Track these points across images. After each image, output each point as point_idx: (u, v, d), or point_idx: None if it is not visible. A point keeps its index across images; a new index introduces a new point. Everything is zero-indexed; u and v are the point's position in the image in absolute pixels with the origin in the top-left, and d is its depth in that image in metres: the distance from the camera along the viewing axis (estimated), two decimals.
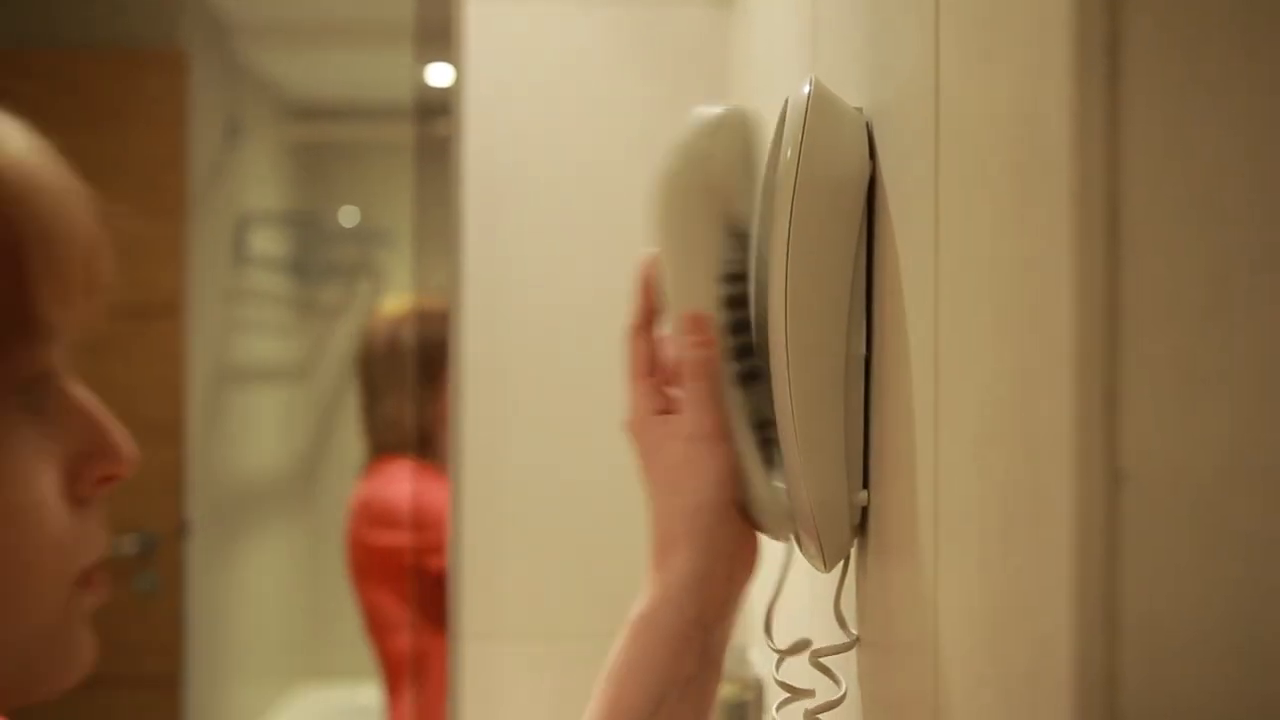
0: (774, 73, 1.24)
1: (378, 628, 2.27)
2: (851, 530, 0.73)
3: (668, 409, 0.76)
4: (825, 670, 0.77)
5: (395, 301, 2.42)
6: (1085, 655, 0.42)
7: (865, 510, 0.73)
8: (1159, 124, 0.42)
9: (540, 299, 1.65)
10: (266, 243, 3.76)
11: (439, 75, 2.17)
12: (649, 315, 0.79)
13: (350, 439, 4.11)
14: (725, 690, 1.27)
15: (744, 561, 0.75)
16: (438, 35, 1.79)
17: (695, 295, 0.74)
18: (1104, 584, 0.42)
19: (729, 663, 1.28)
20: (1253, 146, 0.41)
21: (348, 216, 4.08)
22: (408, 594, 2.18)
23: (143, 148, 3.05)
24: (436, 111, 2.04)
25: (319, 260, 4.06)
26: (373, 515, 2.24)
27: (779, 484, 0.73)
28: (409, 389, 2.28)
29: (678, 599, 0.72)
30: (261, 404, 3.81)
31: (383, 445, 2.31)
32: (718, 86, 1.66)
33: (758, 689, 1.28)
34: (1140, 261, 0.42)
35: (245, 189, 3.63)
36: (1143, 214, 0.42)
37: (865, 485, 0.72)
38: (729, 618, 0.75)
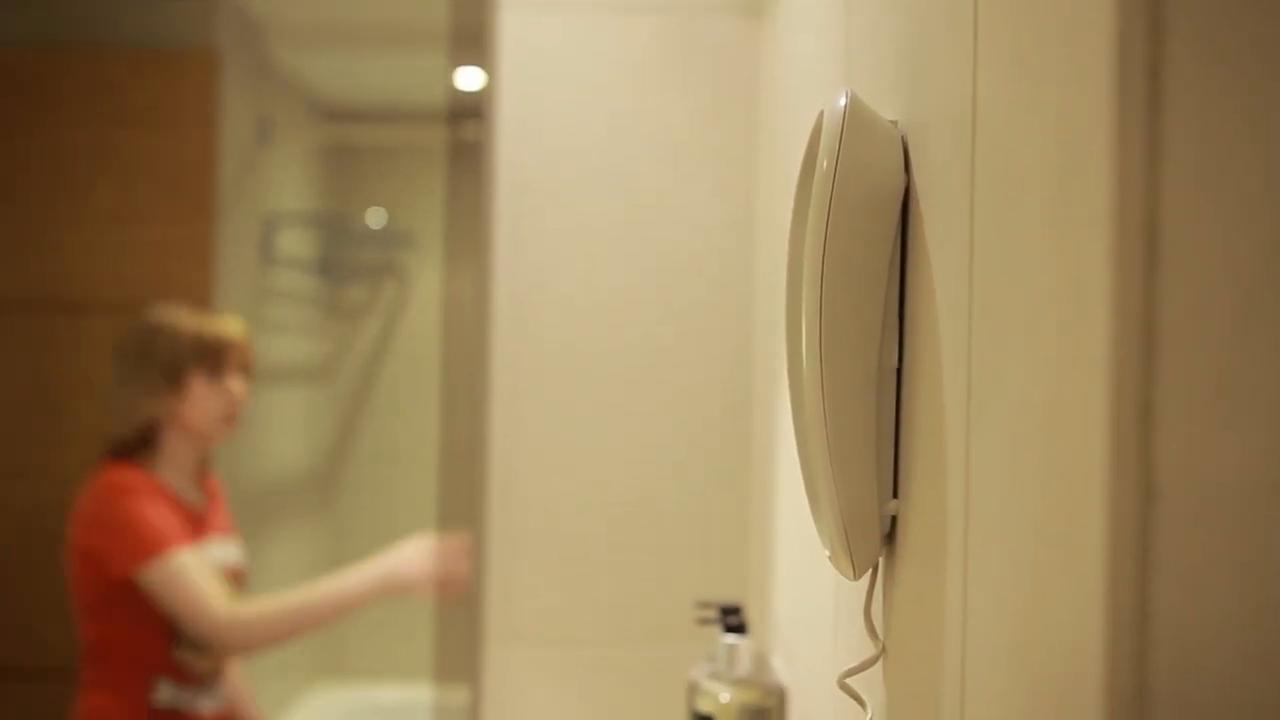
0: (806, 84, 1.25)
1: (80, 613, 2.34)
2: (881, 539, 0.73)
3: None
4: (853, 694, 0.77)
5: (158, 310, 2.51)
6: (1116, 669, 0.43)
7: (894, 520, 0.74)
8: (1198, 146, 0.42)
9: (568, 304, 1.66)
10: (294, 243, 3.78)
11: (470, 79, 2.18)
12: None
13: (374, 439, 4.13)
14: (747, 695, 1.27)
15: None
16: (470, 40, 1.80)
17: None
18: (1135, 599, 0.43)
19: (751, 667, 1.29)
20: None
21: (375, 218, 4.09)
22: (111, 581, 2.26)
23: (174, 147, 3.08)
24: (467, 115, 2.05)
25: (346, 261, 4.08)
26: (86, 511, 2.30)
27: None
28: (149, 390, 2.34)
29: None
30: (286, 403, 3.83)
31: (115, 439, 2.37)
32: (748, 96, 1.67)
33: (780, 695, 1.28)
34: (1177, 279, 0.42)
35: (274, 189, 3.65)
36: (1180, 232, 0.42)
37: (895, 495, 0.73)
38: None
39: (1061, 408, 0.48)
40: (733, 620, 1.33)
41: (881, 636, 0.77)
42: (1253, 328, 0.42)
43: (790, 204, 0.79)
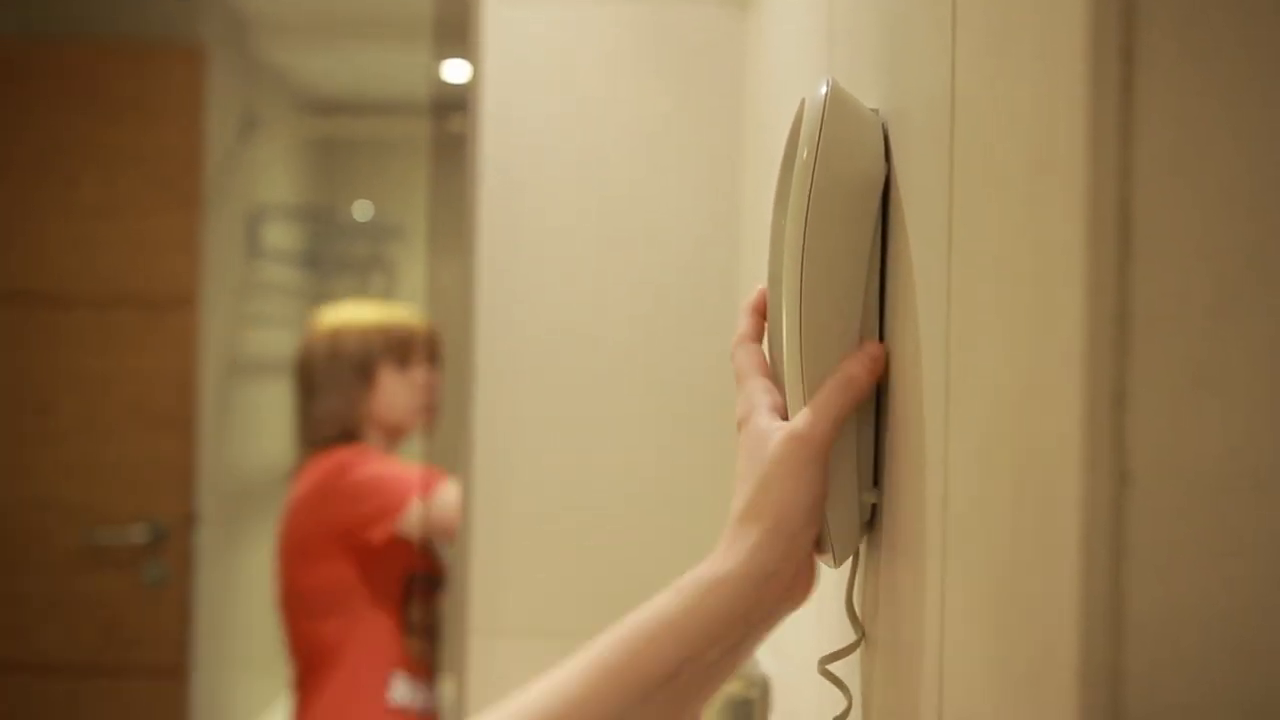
0: (790, 74, 1.25)
1: (310, 613, 2.31)
2: (860, 527, 0.73)
3: (780, 410, 0.74)
4: (834, 679, 0.77)
5: (337, 309, 2.51)
6: (1090, 655, 0.43)
7: (875, 508, 0.74)
8: (1170, 132, 0.42)
9: (553, 296, 1.66)
10: (280, 236, 3.77)
11: (455, 72, 2.18)
12: (760, 328, 0.78)
13: None
14: (731, 687, 1.27)
15: (801, 583, 0.72)
16: (455, 32, 1.80)
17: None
18: (1109, 584, 0.43)
19: None
20: (1260, 155, 0.42)
21: (361, 211, 4.09)
22: (352, 569, 2.25)
23: (160, 140, 3.07)
24: (452, 108, 2.04)
25: (332, 254, 4.08)
26: (333, 494, 2.29)
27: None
28: (350, 390, 2.35)
29: (739, 586, 0.70)
30: (272, 397, 3.83)
31: (320, 441, 2.37)
32: (734, 87, 1.66)
33: (763, 686, 1.28)
34: (1150, 266, 0.42)
35: (260, 182, 3.64)
36: (1153, 219, 0.43)
37: (875, 483, 0.73)
38: (767, 629, 0.73)
39: (1037, 394, 0.48)
40: None
41: (862, 623, 0.77)
42: (1229, 315, 0.42)
43: (773, 193, 0.79)
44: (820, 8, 1.04)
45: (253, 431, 3.63)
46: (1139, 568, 0.42)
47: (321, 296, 4.09)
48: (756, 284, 0.80)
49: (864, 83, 0.80)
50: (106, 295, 3.06)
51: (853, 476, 0.71)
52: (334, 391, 2.35)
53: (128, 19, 3.15)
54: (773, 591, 0.70)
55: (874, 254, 0.70)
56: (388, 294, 4.09)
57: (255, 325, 3.65)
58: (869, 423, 0.72)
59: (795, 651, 1.14)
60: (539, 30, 1.66)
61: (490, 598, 1.65)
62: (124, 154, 3.04)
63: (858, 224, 0.69)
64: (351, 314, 2.43)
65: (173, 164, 3.07)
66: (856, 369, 0.70)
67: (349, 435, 2.35)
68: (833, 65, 0.96)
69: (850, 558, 0.76)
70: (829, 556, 0.73)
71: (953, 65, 0.60)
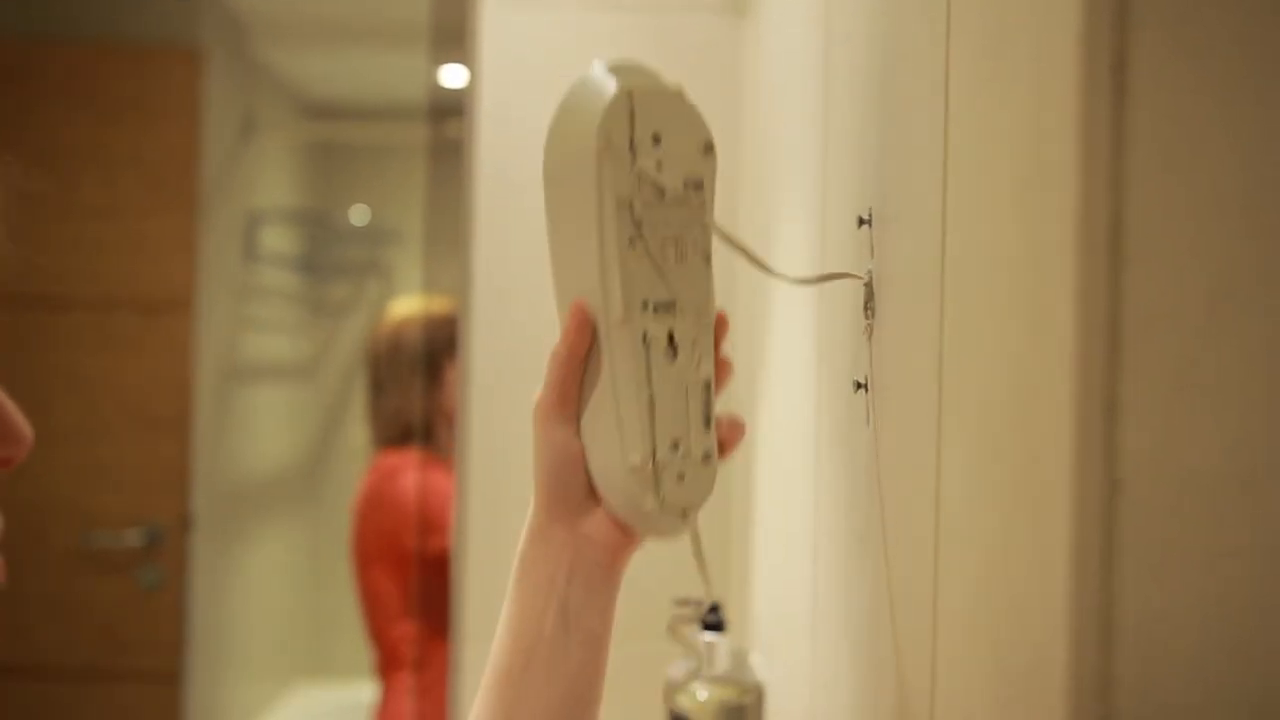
0: (788, 81, 1.25)
1: (379, 615, 2.31)
2: (649, 484, 0.72)
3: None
4: (683, 640, 0.78)
5: (403, 303, 2.50)
6: (1081, 659, 0.43)
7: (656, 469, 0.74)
8: (1163, 140, 0.42)
9: (548, 300, 1.66)
10: (277, 240, 3.77)
11: (452, 77, 2.18)
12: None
13: (355, 437, 4.12)
14: (725, 693, 1.27)
15: (591, 539, 0.73)
16: (452, 37, 1.80)
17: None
18: (1100, 590, 0.43)
19: (729, 665, 1.29)
20: (1253, 162, 0.42)
21: (358, 215, 4.08)
22: (404, 577, 2.25)
23: (158, 143, 3.06)
24: (449, 113, 2.04)
25: (329, 258, 4.07)
26: (382, 501, 2.30)
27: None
28: (412, 386, 2.34)
29: (523, 552, 0.75)
30: (268, 400, 3.82)
31: (386, 438, 2.37)
32: (730, 94, 1.66)
33: (757, 693, 1.28)
34: (1142, 274, 0.42)
35: (257, 186, 3.64)
36: (1145, 227, 0.42)
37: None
38: (592, 585, 0.73)
39: (1030, 402, 0.48)
40: (711, 618, 1.33)
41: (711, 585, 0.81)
42: (1222, 320, 0.42)
43: (756, 199, 0.79)
44: (817, 15, 1.04)
45: (249, 435, 3.62)
46: (1131, 572, 0.42)
47: (319, 300, 4.09)
48: (752, 290, 0.80)
49: (860, 89, 0.80)
50: (103, 297, 3.06)
51: (615, 439, 0.71)
52: (399, 387, 2.35)
53: (127, 20, 3.15)
54: (552, 548, 0.73)
55: (608, 226, 0.73)
56: (384, 298, 4.09)
57: (252, 329, 3.65)
58: (631, 388, 0.72)
59: (790, 658, 1.14)
60: (536, 35, 1.66)
61: (488, 598, 1.65)
62: (123, 155, 3.03)
63: (578, 203, 0.74)
64: (415, 307, 2.42)
65: (170, 166, 3.06)
66: (564, 339, 0.77)
67: (416, 432, 2.34)
68: (829, 71, 0.96)
69: (682, 525, 0.75)
70: (651, 527, 0.73)
71: (946, 69, 0.60)
